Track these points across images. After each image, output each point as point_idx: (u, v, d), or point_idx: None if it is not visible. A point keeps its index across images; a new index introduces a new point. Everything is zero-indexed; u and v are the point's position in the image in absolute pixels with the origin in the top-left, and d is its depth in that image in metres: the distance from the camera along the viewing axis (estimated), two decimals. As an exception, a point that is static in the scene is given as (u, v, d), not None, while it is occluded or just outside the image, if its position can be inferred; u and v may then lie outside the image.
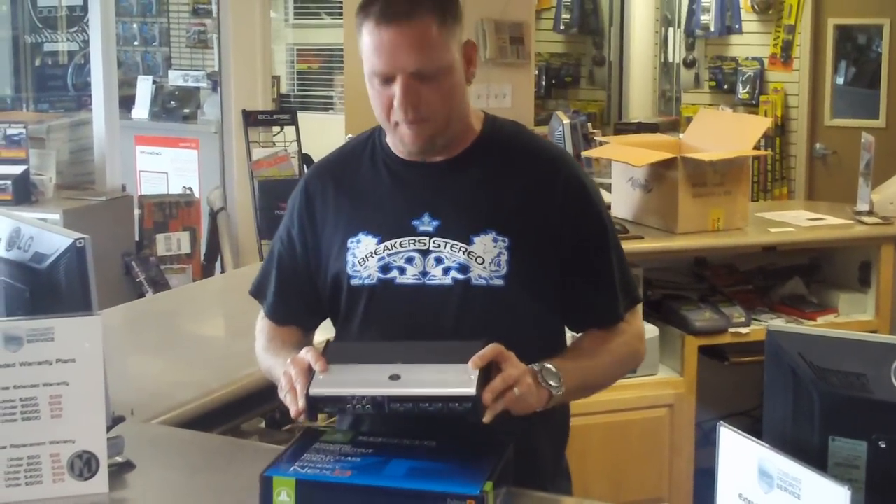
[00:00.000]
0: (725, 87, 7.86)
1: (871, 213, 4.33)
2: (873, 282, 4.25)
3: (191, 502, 2.09)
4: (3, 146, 5.60)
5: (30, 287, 2.20)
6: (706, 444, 3.99)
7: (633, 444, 3.98)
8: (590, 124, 6.36)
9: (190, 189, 6.85)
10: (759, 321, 4.13)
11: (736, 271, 4.45)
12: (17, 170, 5.54)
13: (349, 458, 1.90)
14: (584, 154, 5.24)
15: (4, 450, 1.97)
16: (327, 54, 10.19)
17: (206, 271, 6.45)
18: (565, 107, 7.70)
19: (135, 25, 8.36)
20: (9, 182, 5.48)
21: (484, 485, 1.79)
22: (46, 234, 2.21)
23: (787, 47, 7.64)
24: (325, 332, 2.34)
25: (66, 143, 6.21)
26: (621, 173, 4.36)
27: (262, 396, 2.72)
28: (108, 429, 2.06)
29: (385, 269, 2.13)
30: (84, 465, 2.01)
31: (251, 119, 6.33)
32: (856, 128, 6.34)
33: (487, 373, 1.90)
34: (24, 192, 5.53)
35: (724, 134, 4.33)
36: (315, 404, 1.90)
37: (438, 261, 2.11)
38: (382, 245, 2.14)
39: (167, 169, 7.27)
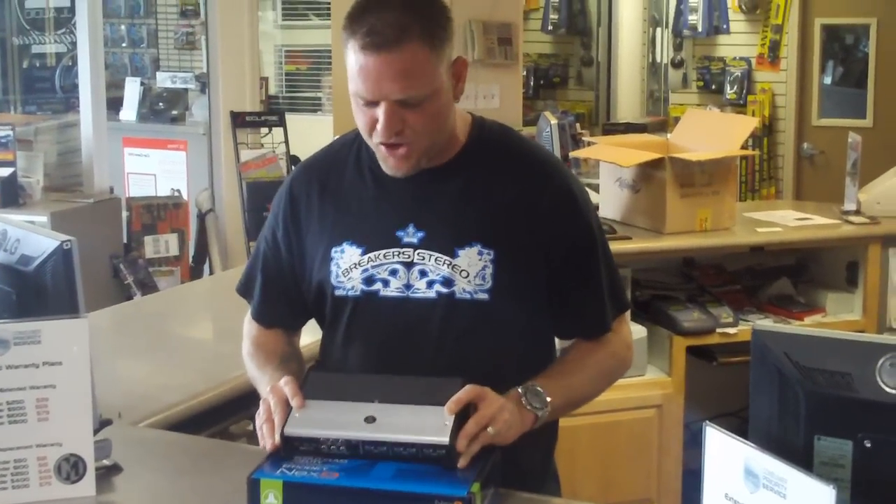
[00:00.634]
0: (713, 87, 7.88)
1: (858, 212, 4.34)
2: (860, 281, 4.26)
3: (178, 505, 2.09)
4: (-9, 149, 5.59)
5: (16, 289, 2.20)
6: (694, 445, 3.99)
7: (621, 444, 3.99)
8: (578, 125, 6.35)
9: (178, 191, 6.84)
10: (747, 321, 4.14)
11: (724, 271, 4.45)
12: (5, 172, 5.53)
13: (337, 460, 1.89)
14: (572, 154, 5.24)
15: (-9, 453, 1.97)
16: (315, 56, 10.18)
17: (195, 273, 6.44)
18: (553, 107, 7.70)
19: (123, 27, 8.33)
20: (-4, 184, 5.47)
21: (471, 486, 1.79)
22: (33, 236, 2.20)
23: (775, 47, 7.66)
24: (310, 333, 2.34)
25: (53, 146, 6.19)
26: (609, 174, 4.36)
27: (250, 399, 2.69)
28: (96, 432, 2.06)
29: (369, 280, 2.12)
30: (71, 468, 2.00)
31: (239, 120, 6.33)
32: (843, 127, 6.35)
33: (465, 413, 1.90)
34: (11, 195, 5.52)
35: (711, 134, 4.34)
36: (290, 443, 1.91)
37: (422, 273, 2.09)
38: (366, 256, 2.12)
39: (155, 171, 7.26)
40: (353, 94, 2.04)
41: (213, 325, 3.81)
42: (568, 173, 2.24)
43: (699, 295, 4.25)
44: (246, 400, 2.79)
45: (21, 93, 7.18)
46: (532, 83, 8.29)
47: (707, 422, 1.69)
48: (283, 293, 2.26)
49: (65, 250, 2.09)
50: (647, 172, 4.13)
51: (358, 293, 2.12)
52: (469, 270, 2.08)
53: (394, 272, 2.11)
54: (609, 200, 4.34)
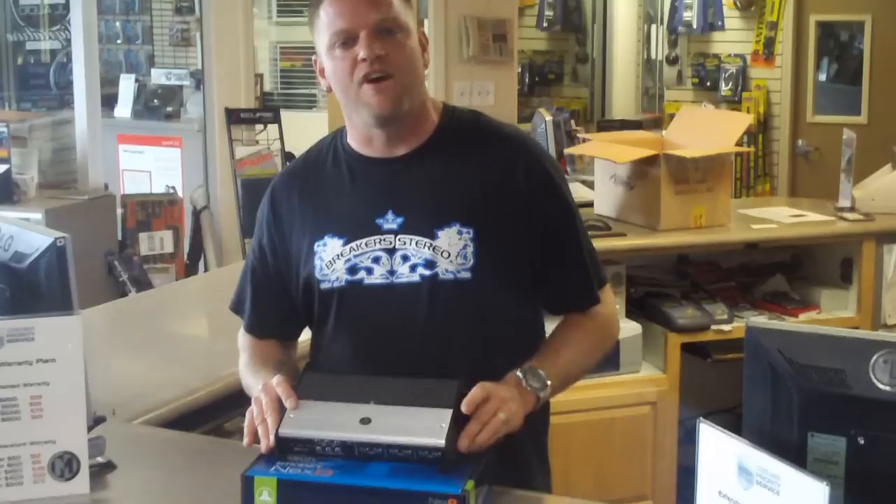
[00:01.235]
0: (708, 83, 7.89)
1: (852, 209, 4.35)
2: (855, 278, 4.26)
3: (172, 502, 2.08)
4: (-15, 145, 5.58)
5: (10, 286, 2.20)
6: (689, 442, 3.97)
7: (616, 441, 3.99)
8: (573, 121, 6.34)
9: (173, 188, 6.83)
10: (742, 318, 4.14)
11: (718, 268, 4.45)
12: (-1, 169, 5.53)
13: (331, 458, 1.89)
14: (567, 151, 5.25)
15: (-15, 450, 1.97)
16: (310, 52, 10.05)
17: (190, 270, 6.43)
18: (548, 104, 7.70)
19: (117, 23, 8.32)
20: (-10, 181, 5.46)
21: (465, 483, 1.79)
22: (27, 233, 2.20)
23: (770, 44, 7.67)
24: (303, 332, 2.34)
25: (48, 142, 6.19)
26: (604, 170, 4.36)
27: (245, 396, 2.70)
28: (90, 429, 2.06)
29: (352, 270, 2.13)
30: (65, 465, 2.00)
31: (234, 117, 6.32)
32: (838, 124, 6.36)
33: (461, 414, 1.90)
34: (5, 192, 5.50)
35: (706, 131, 4.34)
36: (285, 444, 1.90)
37: (405, 258, 2.11)
38: (348, 246, 2.14)
39: (150, 168, 7.25)
40: (329, 48, 2.11)
41: (207, 322, 3.80)
42: (541, 149, 2.32)
43: (694, 292, 4.25)
44: (240, 397, 2.78)
45: (15, 89, 7.16)
46: (527, 80, 8.30)
47: (701, 419, 1.69)
48: (274, 301, 2.27)
49: (59, 247, 2.09)
50: (642, 169, 4.13)
51: (343, 283, 2.14)
52: (450, 251, 2.10)
53: (377, 259, 2.12)
54: (604, 197, 4.35)
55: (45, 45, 7.12)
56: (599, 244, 2.52)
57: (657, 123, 7.31)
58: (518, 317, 2.20)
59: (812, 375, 1.69)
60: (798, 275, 4.52)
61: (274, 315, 2.29)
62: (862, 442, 1.66)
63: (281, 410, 1.94)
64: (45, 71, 7.13)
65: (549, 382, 2.07)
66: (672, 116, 5.53)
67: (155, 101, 7.65)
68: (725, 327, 4.06)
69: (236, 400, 2.79)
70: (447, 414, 1.88)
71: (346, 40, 2.08)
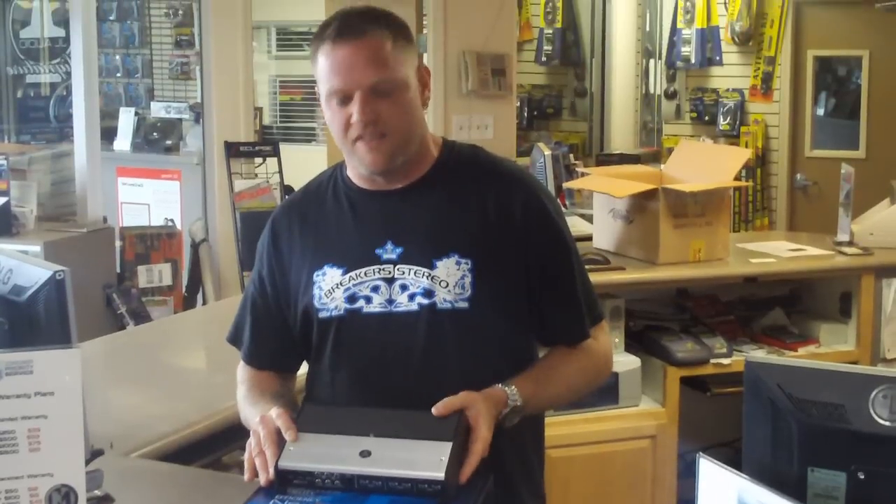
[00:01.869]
0: (706, 118, 7.92)
1: (851, 243, 4.35)
2: (854, 312, 4.26)
3: (170, 536, 2.08)
4: (-15, 178, 5.59)
5: (9, 319, 2.19)
6: (688, 476, 3.96)
7: (615, 475, 3.97)
8: (571, 155, 6.37)
9: (172, 221, 6.84)
10: (741, 352, 4.13)
11: (717, 302, 4.45)
12: (-2, 201, 5.53)
13: (329, 491, 1.89)
14: (566, 185, 5.26)
15: (-18, 484, 1.96)
16: (310, 86, 10.11)
17: (188, 303, 6.43)
18: (547, 138, 7.73)
19: (117, 57, 8.36)
20: (-11, 214, 5.47)
21: (464, 517, 1.79)
22: (26, 266, 2.20)
23: (768, 79, 7.70)
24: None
25: (47, 175, 6.20)
26: (603, 204, 4.36)
27: (243, 429, 2.69)
28: (87, 462, 2.05)
29: (351, 299, 2.14)
30: (62, 498, 1.99)
31: (233, 151, 6.33)
32: (836, 158, 6.38)
33: (461, 442, 1.91)
34: (4, 224, 5.51)
35: (704, 165, 4.34)
36: (284, 476, 1.90)
37: (403, 287, 2.12)
38: (347, 276, 2.15)
39: (149, 200, 7.26)
40: (326, 98, 2.12)
41: (205, 354, 3.80)
42: (538, 184, 2.33)
43: (693, 325, 4.24)
44: (238, 431, 2.77)
45: (15, 122, 7.18)
46: (526, 114, 8.32)
47: (701, 453, 1.69)
48: (273, 332, 2.28)
49: (58, 280, 2.08)
50: (641, 203, 4.13)
51: (342, 312, 2.15)
52: (448, 280, 2.11)
53: (375, 289, 2.14)
54: (603, 231, 4.35)
55: (45, 79, 7.15)
56: (598, 278, 2.53)
57: (655, 157, 7.32)
58: (514, 347, 2.21)
59: (812, 410, 1.69)
60: (797, 309, 4.52)
61: (273, 346, 2.29)
62: (862, 477, 1.65)
63: (280, 443, 1.93)
64: (44, 104, 7.15)
65: (515, 388, 2.07)
66: (670, 150, 5.54)
67: (154, 134, 7.67)
68: (725, 361, 4.05)
69: (234, 433, 2.79)
70: (447, 447, 1.88)
71: (342, 98, 2.09)
